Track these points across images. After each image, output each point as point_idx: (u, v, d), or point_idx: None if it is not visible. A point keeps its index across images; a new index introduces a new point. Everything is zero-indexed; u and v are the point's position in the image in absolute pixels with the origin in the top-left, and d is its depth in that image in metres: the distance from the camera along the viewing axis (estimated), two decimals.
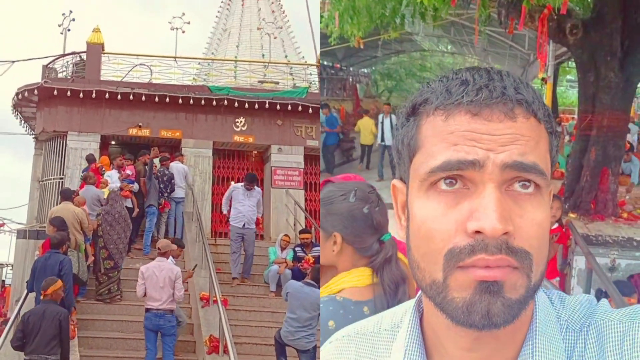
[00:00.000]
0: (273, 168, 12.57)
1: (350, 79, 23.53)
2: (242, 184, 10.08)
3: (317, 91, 13.35)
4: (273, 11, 16.69)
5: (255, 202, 9.94)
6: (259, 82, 13.92)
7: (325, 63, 21.41)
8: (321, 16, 8.72)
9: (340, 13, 8.02)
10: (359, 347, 1.03)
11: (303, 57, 15.49)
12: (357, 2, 7.73)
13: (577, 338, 0.87)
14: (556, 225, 6.13)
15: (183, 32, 13.63)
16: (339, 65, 21.70)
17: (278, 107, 12.51)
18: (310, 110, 12.49)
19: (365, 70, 25.65)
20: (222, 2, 17.68)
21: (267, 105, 12.47)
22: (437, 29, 14.48)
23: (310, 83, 13.70)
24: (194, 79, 13.98)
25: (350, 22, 8.07)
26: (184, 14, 13.76)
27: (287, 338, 6.92)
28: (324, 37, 9.45)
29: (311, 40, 13.55)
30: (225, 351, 6.88)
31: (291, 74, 14.36)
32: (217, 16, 17.75)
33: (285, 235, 10.17)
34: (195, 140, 12.56)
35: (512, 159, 0.80)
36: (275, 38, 14.92)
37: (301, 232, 10.12)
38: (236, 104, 12.43)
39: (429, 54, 23.71)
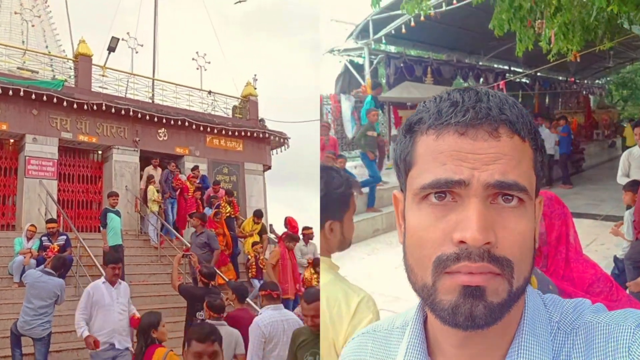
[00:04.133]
0: (27, 157, 11.54)
1: (584, 92, 21.44)
2: (102, 279, 6.26)
3: (73, 85, 12.62)
4: None
5: (126, 301, 6.26)
6: (18, 68, 12.74)
7: (560, 78, 20.12)
8: (539, 35, 7.81)
9: (555, 31, 7.40)
10: (375, 343, 1.03)
11: (64, 50, 14.54)
12: (569, 17, 7.18)
13: (566, 339, 0.86)
14: None
15: None
16: (573, 79, 20.22)
17: (34, 96, 11.46)
18: (65, 103, 11.75)
19: (600, 82, 23.51)
20: None
21: (22, 93, 11.33)
22: None
23: (69, 77, 12.93)
24: None
25: (563, 39, 7.46)
26: None
27: (23, 328, 6.59)
28: (542, 55, 8.43)
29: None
30: None
31: (51, 66, 13.38)
32: None
33: (32, 225, 9.55)
34: None
35: (494, 178, 0.80)
36: (33, 26, 13.73)
37: (47, 221, 9.55)
38: None
39: None
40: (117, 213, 9.61)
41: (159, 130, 13.31)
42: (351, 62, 14.81)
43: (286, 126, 15.77)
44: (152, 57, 14.47)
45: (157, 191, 11.74)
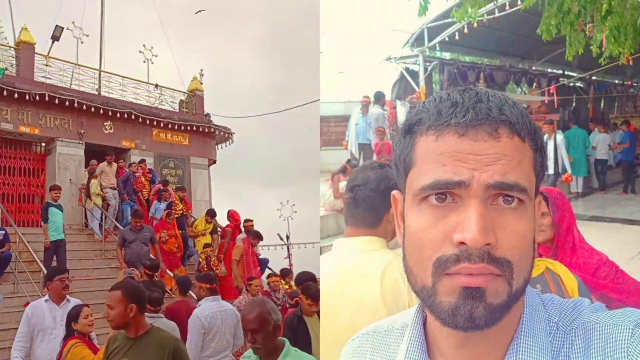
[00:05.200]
0: None
1: None
2: (46, 296, 5.00)
3: (14, 74, 12.14)
4: None
5: None
6: None
7: (616, 82, 19.20)
8: (590, 39, 7.52)
9: (606, 35, 7.14)
10: (375, 344, 1.01)
11: (5, 37, 13.98)
12: (620, 20, 6.90)
13: (565, 339, 0.85)
14: None
15: None
16: (630, 83, 19.20)
17: None
18: (6, 93, 11.26)
19: None
20: None
21: None
22: None
23: (10, 65, 12.43)
24: None
25: (614, 42, 7.18)
26: None
27: None
28: (593, 59, 7.98)
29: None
30: None
31: None
32: None
33: None
34: None
35: (494, 179, 0.79)
36: None
37: None
38: None
39: None
40: (60, 207, 9.35)
41: (105, 123, 13.00)
42: (407, 69, 14.86)
43: (229, 121, 15.65)
44: (98, 48, 14.11)
45: (104, 187, 11.47)
